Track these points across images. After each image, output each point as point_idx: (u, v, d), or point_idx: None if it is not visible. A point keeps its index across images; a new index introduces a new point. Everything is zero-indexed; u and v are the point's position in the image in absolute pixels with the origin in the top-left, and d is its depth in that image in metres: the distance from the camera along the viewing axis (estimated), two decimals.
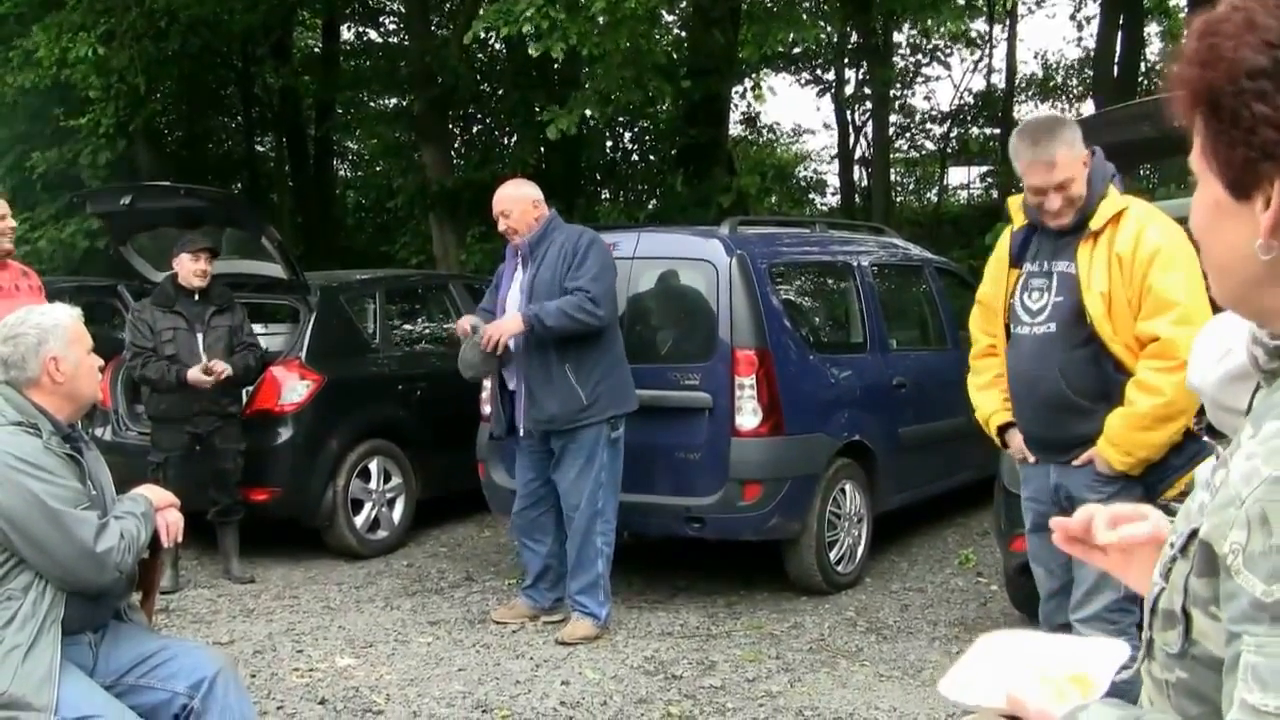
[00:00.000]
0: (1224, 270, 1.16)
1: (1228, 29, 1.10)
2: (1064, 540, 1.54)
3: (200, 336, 6.99)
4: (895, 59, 20.64)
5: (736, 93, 20.01)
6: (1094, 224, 3.54)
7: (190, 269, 7.00)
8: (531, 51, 10.48)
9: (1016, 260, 3.85)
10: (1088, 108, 20.07)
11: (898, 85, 21.65)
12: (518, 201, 5.95)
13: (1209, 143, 1.12)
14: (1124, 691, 1.36)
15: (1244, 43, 1.08)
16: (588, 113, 11.64)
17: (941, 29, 13.83)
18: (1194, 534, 1.12)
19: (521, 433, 6.04)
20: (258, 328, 8.63)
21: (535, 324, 5.70)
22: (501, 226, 6.00)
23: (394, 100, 19.39)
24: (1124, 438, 3.51)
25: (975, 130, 23.55)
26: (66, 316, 3.39)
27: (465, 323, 6.05)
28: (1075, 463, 3.62)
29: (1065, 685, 1.40)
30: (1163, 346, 3.43)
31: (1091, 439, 3.58)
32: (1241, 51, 1.07)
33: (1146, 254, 3.44)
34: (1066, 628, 3.86)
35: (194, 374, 6.81)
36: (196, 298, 7.06)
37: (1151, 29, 19.03)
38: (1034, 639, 1.61)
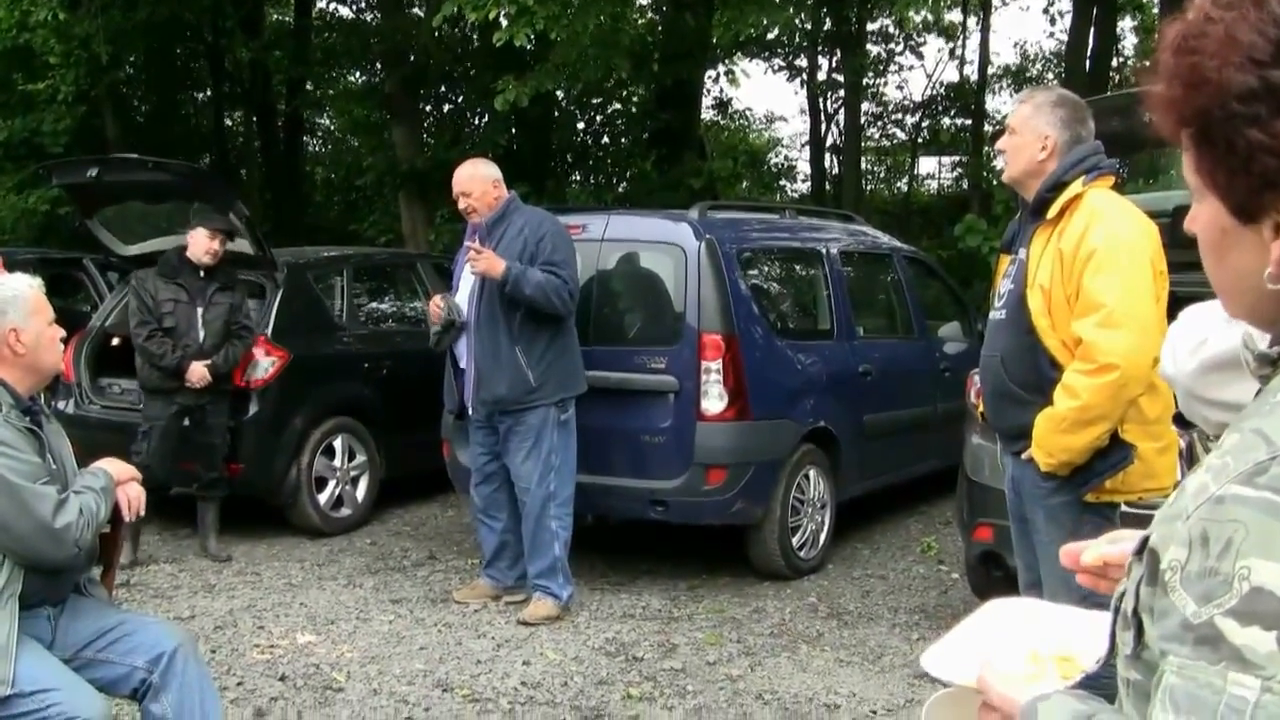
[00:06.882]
0: (1233, 293, 1.11)
1: (1208, 46, 1.03)
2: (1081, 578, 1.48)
3: (200, 311, 6.97)
4: (869, 47, 20.64)
5: (710, 77, 19.99)
6: (1049, 213, 3.53)
7: (204, 246, 6.96)
8: (496, 40, 10.47)
9: (1008, 245, 3.86)
10: None
11: (870, 74, 21.66)
12: (479, 182, 5.97)
13: (1205, 166, 1.07)
14: (1104, 681, 1.28)
15: (1229, 62, 1.01)
16: (559, 95, 11.62)
17: (911, 12, 13.76)
18: (1147, 539, 1.08)
19: (471, 412, 6.05)
20: None
21: (510, 281, 5.66)
22: (462, 206, 6.01)
23: (365, 78, 19.26)
24: (1045, 439, 3.48)
25: (947, 121, 23.60)
26: (27, 287, 3.35)
27: (436, 303, 6.07)
28: (1022, 456, 3.62)
29: (1050, 665, 1.35)
30: (1085, 349, 3.38)
31: (1028, 430, 3.57)
32: (1227, 72, 1.01)
33: (1085, 253, 3.39)
34: None
35: (196, 369, 6.84)
36: (201, 274, 7.03)
37: (1125, 24, 19.13)
38: (1042, 609, 1.56)
